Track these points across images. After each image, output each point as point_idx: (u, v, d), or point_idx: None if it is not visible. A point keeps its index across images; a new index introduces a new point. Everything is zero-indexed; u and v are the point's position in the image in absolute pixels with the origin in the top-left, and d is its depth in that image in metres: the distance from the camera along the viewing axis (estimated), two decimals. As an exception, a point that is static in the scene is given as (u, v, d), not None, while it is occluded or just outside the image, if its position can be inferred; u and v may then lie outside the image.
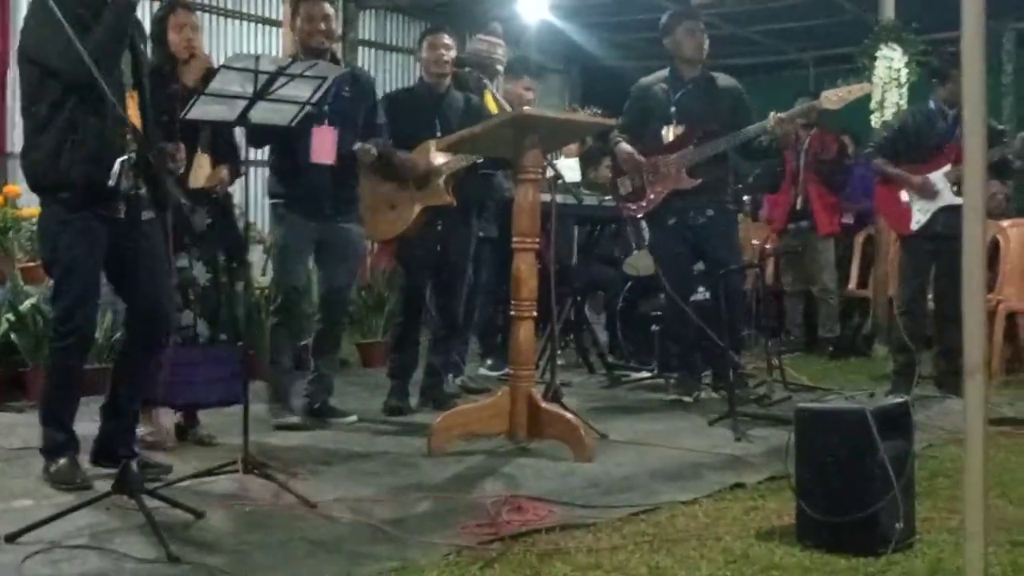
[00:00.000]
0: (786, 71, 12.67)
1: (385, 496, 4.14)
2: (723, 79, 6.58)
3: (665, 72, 6.58)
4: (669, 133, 6.46)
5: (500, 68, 6.89)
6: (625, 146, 6.54)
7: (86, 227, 4.14)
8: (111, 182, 4.04)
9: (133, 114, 4.18)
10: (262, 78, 4.22)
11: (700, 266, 6.59)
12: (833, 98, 6.25)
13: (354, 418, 5.73)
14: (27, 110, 4.21)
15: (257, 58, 4.30)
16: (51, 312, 4.60)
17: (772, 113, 6.20)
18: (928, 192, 6.45)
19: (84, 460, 4.34)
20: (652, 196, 6.51)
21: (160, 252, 4.42)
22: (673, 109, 6.46)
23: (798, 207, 8.99)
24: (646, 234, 7.99)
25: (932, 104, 6.58)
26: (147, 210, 4.29)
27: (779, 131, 6.27)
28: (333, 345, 5.89)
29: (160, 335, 4.42)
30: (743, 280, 6.83)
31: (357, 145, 5.60)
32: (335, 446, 5.12)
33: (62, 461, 4.24)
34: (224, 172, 5.07)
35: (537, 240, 5.05)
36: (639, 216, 6.78)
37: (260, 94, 4.27)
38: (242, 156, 5.00)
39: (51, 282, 4.42)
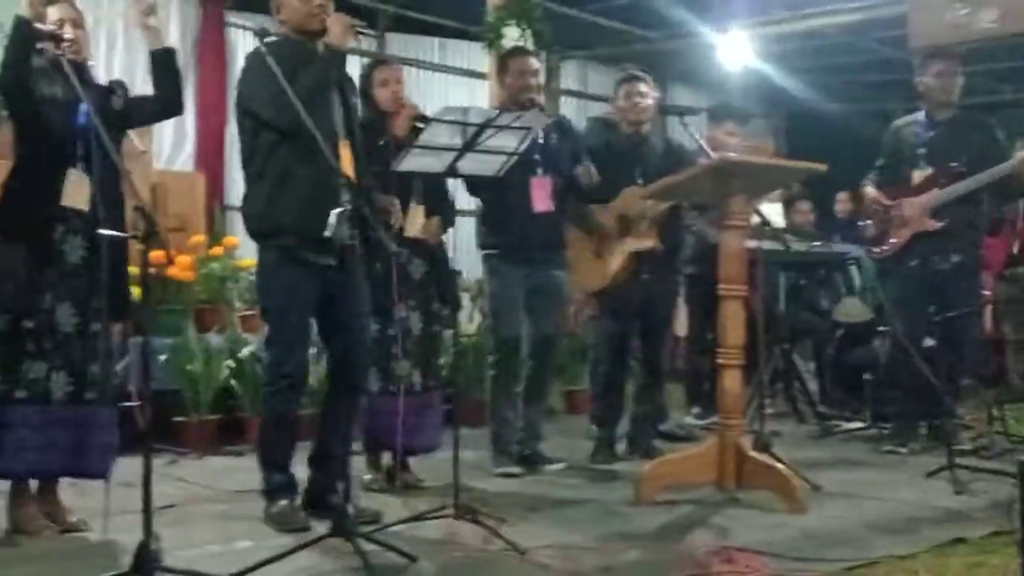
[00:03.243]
0: (999, 112, 12.13)
1: (594, 544, 4.12)
2: (980, 118, 6.41)
3: (920, 114, 6.43)
4: (918, 176, 6.31)
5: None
6: (870, 189, 6.49)
7: (299, 274, 4.27)
8: (327, 232, 4.16)
9: (347, 163, 4.30)
10: (470, 130, 4.31)
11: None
12: None
13: (562, 465, 5.75)
14: (246, 161, 4.38)
15: (466, 110, 4.36)
16: (265, 358, 4.74)
17: (1019, 153, 5.95)
18: None
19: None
20: (895, 239, 6.35)
21: (363, 303, 4.52)
22: (922, 151, 6.30)
23: (1015, 251, 8.63)
24: (856, 280, 7.78)
25: None
26: (358, 260, 4.42)
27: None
28: (542, 391, 5.93)
29: (355, 383, 4.53)
30: (976, 327, 6.52)
31: (579, 168, 5.67)
32: (544, 493, 5.13)
33: (282, 503, 4.36)
34: (436, 222, 5.20)
35: (744, 287, 4.99)
36: (882, 259, 6.60)
37: (469, 145, 4.35)
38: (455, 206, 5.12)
39: (266, 328, 4.58)
